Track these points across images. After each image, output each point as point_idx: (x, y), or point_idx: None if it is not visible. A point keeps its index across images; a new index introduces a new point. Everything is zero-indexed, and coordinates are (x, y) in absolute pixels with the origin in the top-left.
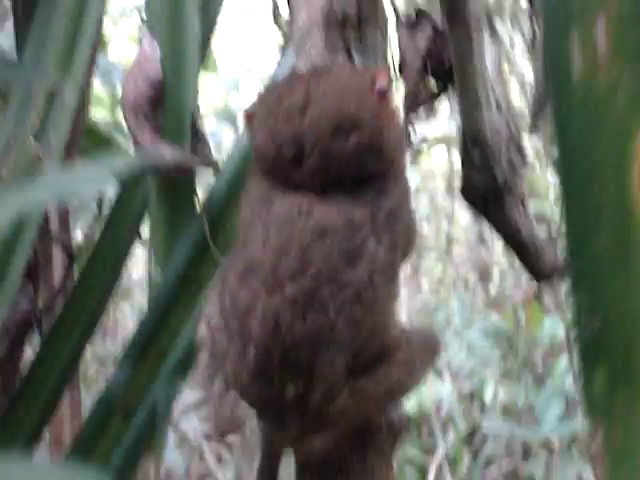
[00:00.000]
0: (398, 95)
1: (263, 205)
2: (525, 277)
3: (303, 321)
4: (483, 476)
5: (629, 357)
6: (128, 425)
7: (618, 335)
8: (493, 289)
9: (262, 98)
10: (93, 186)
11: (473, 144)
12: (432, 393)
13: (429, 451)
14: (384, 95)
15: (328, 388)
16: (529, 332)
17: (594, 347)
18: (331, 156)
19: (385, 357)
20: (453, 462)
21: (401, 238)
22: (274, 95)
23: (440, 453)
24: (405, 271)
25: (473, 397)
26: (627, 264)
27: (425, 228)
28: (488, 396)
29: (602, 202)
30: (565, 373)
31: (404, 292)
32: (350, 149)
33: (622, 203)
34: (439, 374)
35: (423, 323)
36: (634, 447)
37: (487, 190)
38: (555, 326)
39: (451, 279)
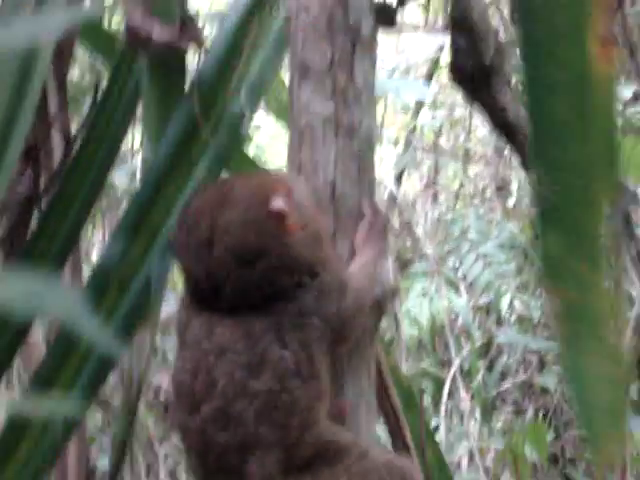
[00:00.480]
0: None
1: (185, 326)
2: None
3: (226, 432)
4: (498, 388)
5: (582, 221)
6: (123, 296)
7: (572, 200)
8: (510, 202)
9: (177, 229)
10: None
11: (461, 28)
12: (447, 306)
13: (444, 363)
14: (281, 216)
15: None
16: None
17: (550, 211)
18: (242, 284)
19: (331, 460)
20: (468, 374)
21: (324, 329)
22: (184, 229)
23: (455, 365)
24: (422, 182)
25: (489, 310)
26: (583, 125)
27: (443, 140)
28: (503, 309)
29: (561, 63)
30: None
31: (420, 205)
32: (258, 276)
33: (580, 63)
34: (455, 287)
35: (439, 236)
36: (588, 307)
37: (474, 70)
38: None
39: (468, 192)
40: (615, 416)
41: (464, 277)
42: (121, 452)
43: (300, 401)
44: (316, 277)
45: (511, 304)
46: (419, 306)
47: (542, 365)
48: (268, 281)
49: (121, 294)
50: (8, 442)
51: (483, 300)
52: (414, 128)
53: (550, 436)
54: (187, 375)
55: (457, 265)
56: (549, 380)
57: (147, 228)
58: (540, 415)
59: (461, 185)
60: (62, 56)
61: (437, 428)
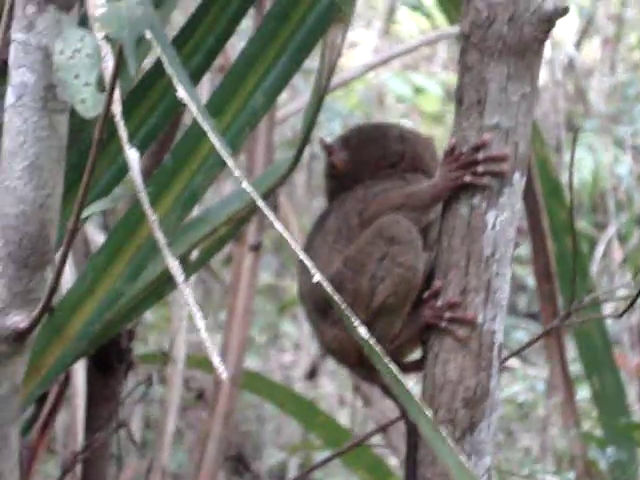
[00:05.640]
0: None
1: None
2: None
3: None
4: None
5: None
6: None
7: None
8: None
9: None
10: None
11: None
12: (611, 166)
13: (601, 226)
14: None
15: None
16: None
17: None
18: None
19: None
20: (623, 239)
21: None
22: None
23: (612, 230)
24: (602, 50)
25: None
26: None
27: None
28: None
29: None
30: None
31: (597, 72)
32: None
33: None
34: (622, 149)
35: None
36: None
37: None
38: None
39: None
40: None
41: (633, 142)
42: None
43: None
44: None
45: None
46: (583, 160)
47: None
48: None
49: None
50: None
51: None
52: None
53: None
54: None
55: (628, 129)
56: None
57: None
58: None
59: None
60: None
61: None
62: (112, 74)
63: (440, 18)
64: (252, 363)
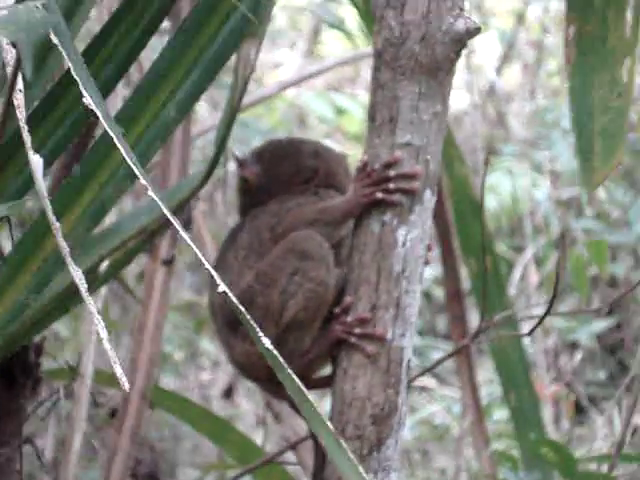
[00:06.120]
0: None
1: None
2: None
3: None
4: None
5: None
6: None
7: None
8: None
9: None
10: None
11: None
12: (529, 191)
13: (519, 249)
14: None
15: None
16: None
17: None
18: None
19: None
20: (540, 262)
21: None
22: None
23: (529, 253)
24: (522, 75)
25: (569, 204)
26: None
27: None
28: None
29: None
30: None
31: (518, 98)
32: None
33: None
34: (539, 173)
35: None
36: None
37: None
38: None
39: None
40: (614, 139)
41: (551, 167)
42: None
43: None
44: None
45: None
46: (502, 184)
47: (614, 258)
48: None
49: None
50: None
51: (566, 194)
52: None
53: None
54: None
55: (546, 154)
56: (619, 270)
57: None
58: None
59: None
60: None
61: None
62: (11, 76)
63: (364, 40)
64: (169, 381)
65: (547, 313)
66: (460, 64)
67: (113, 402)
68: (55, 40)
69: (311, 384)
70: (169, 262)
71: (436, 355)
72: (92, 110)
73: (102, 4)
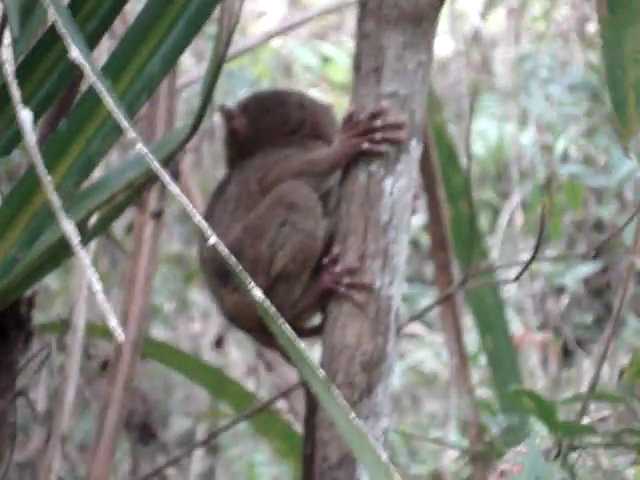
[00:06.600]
0: None
1: None
2: None
3: None
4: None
5: None
6: None
7: None
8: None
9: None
10: None
11: None
12: (515, 135)
13: (505, 196)
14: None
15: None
16: None
17: None
18: None
19: None
20: (527, 209)
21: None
22: None
23: (515, 198)
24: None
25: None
26: None
27: None
28: (561, 148)
29: None
30: None
31: (503, 44)
32: None
33: None
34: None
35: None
36: None
37: None
38: None
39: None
40: None
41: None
42: None
43: None
44: None
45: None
46: (487, 130)
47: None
48: None
49: None
50: None
51: (549, 139)
52: None
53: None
54: None
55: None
56: (605, 213)
57: None
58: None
59: (547, 27)
60: None
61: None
62: None
63: None
64: (160, 332)
65: (533, 258)
66: (444, 10)
67: (105, 354)
68: None
69: (301, 333)
70: (158, 215)
71: (424, 302)
72: (77, 62)
73: None
